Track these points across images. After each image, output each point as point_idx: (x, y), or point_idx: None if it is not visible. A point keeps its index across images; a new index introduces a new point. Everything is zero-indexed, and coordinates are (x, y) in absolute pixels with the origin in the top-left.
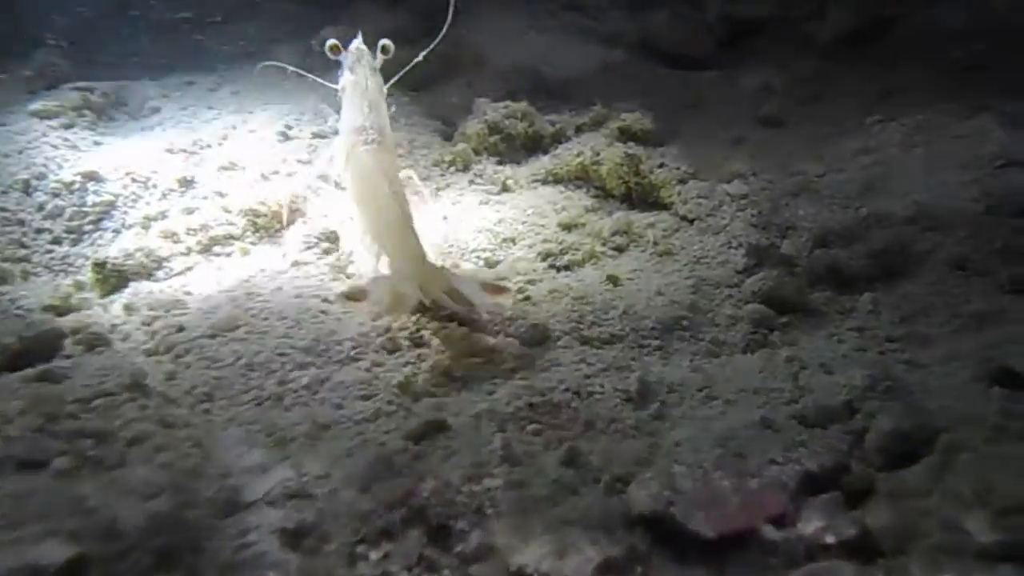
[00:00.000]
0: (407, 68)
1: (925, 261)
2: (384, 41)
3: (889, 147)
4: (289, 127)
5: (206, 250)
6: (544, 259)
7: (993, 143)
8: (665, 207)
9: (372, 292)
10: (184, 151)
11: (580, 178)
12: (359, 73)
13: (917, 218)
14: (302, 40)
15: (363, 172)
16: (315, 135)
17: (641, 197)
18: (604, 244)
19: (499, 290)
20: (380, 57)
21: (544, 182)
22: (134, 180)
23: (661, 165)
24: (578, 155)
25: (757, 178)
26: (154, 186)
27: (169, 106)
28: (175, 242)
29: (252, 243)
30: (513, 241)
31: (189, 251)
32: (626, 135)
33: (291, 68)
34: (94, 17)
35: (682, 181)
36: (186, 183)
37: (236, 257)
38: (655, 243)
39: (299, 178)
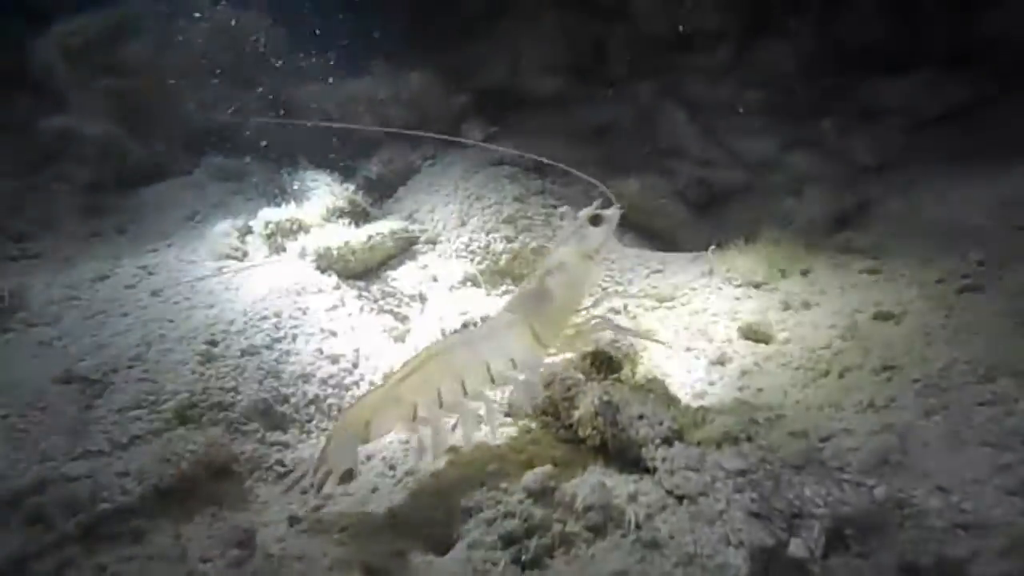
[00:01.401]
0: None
1: None
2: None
3: (900, 409)
4: (214, 342)
5: (86, 536)
6: (507, 546)
7: (1021, 416)
8: (647, 469)
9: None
10: (84, 379)
11: (548, 414)
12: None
13: (944, 511)
14: (239, 220)
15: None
16: (243, 352)
17: (619, 451)
18: (577, 520)
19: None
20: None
21: (506, 414)
22: (8, 439)
23: (641, 417)
24: (547, 386)
25: (752, 443)
26: (35, 442)
27: (74, 311)
28: (47, 530)
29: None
30: (470, 513)
31: (62, 543)
32: (601, 360)
33: None
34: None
35: (666, 442)
36: (75, 434)
37: (126, 546)
38: (638, 526)
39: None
